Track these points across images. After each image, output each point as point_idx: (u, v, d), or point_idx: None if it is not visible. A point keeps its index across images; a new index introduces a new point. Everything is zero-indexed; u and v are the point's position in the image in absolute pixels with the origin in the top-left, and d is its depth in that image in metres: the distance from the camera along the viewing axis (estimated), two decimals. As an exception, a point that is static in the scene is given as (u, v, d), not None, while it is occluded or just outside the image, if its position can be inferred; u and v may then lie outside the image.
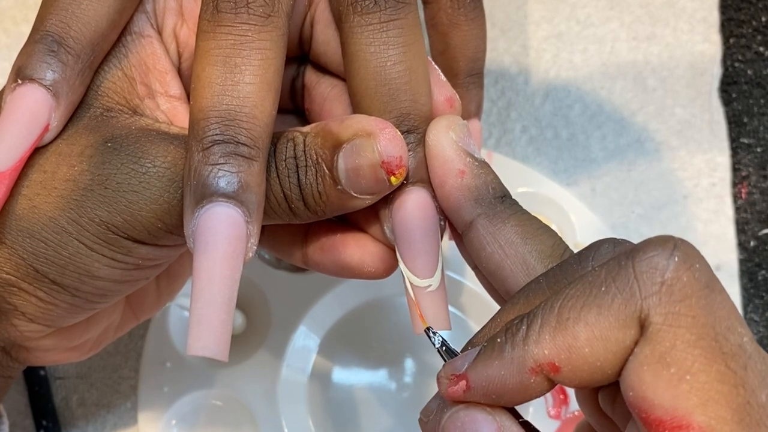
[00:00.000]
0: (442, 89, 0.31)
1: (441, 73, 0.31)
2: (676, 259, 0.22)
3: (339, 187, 0.28)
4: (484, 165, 0.29)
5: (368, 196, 0.29)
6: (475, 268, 0.30)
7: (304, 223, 0.30)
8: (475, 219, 0.28)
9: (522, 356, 0.23)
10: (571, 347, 0.22)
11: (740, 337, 0.22)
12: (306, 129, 0.29)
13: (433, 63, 0.31)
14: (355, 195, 0.28)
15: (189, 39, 0.32)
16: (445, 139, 0.29)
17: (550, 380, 0.23)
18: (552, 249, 0.27)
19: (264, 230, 0.33)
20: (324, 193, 0.28)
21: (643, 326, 0.22)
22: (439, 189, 0.29)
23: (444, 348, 0.28)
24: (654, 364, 0.21)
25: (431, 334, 0.28)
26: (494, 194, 0.29)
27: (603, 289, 0.22)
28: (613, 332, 0.22)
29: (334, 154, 0.28)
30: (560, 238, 0.28)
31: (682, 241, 0.22)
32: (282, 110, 0.35)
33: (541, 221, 0.28)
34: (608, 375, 0.23)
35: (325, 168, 0.28)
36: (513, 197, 0.29)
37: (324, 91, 0.33)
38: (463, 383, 0.24)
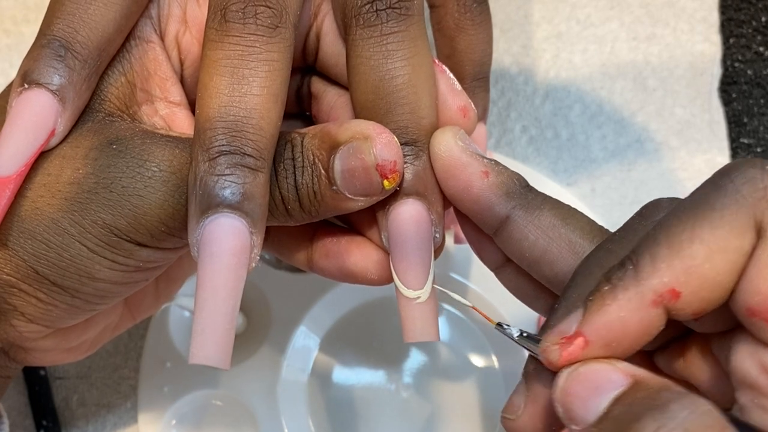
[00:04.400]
0: (455, 98, 0.31)
1: (455, 82, 0.31)
2: None
3: (334, 187, 0.28)
4: (498, 162, 0.29)
5: (362, 198, 0.29)
6: (501, 267, 0.31)
7: (299, 224, 0.30)
8: (510, 212, 0.29)
9: (640, 291, 0.24)
10: (690, 268, 0.23)
11: None
12: (304, 131, 0.29)
13: (448, 72, 0.31)
14: (349, 196, 0.28)
15: (191, 46, 0.32)
16: (456, 147, 0.29)
17: (667, 312, 0.24)
18: (590, 225, 0.28)
19: (270, 235, 0.33)
20: (319, 193, 0.29)
21: (759, 229, 0.23)
22: (465, 194, 0.29)
23: (525, 335, 0.27)
24: None
25: (505, 327, 0.28)
26: (521, 185, 0.29)
27: (709, 206, 0.23)
28: (731, 242, 0.23)
29: (331, 155, 0.28)
30: (588, 217, 0.29)
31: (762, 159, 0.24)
32: (288, 114, 0.35)
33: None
34: (726, 290, 0.23)
35: (321, 168, 0.28)
36: None
37: (331, 99, 0.33)
38: (580, 340, 0.24)
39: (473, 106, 0.31)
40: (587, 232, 0.28)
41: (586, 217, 0.29)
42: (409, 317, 0.30)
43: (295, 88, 0.35)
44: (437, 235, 0.30)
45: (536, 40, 0.51)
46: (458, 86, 0.31)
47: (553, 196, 0.44)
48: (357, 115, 0.30)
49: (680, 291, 0.23)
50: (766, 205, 0.23)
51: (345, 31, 0.30)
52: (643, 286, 0.23)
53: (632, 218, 0.27)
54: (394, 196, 0.29)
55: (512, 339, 0.27)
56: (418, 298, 0.29)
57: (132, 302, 0.36)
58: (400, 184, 0.29)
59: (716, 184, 0.23)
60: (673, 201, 0.26)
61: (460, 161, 0.29)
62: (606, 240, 0.27)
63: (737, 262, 0.23)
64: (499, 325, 0.28)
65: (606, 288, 0.24)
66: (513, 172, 0.29)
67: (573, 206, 0.29)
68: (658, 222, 0.24)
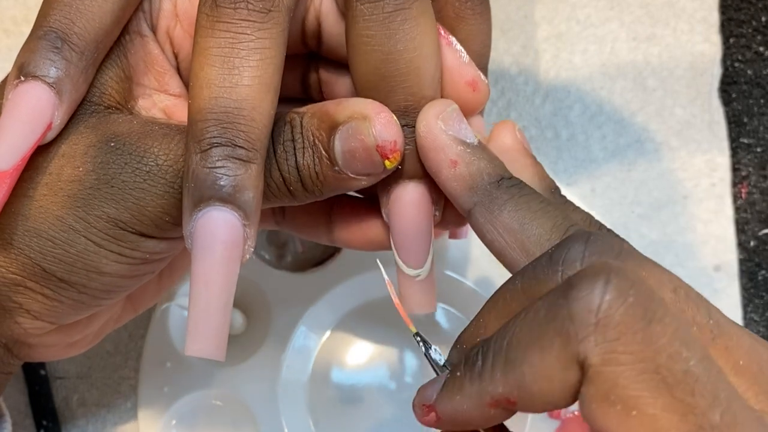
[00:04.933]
0: (463, 71, 0.30)
1: (463, 53, 0.30)
2: (608, 296, 0.21)
3: (336, 168, 0.28)
4: (477, 150, 0.29)
5: (364, 177, 0.29)
6: None
7: (302, 203, 0.30)
8: (472, 207, 0.28)
9: (479, 391, 0.23)
10: (521, 385, 0.22)
11: (685, 362, 0.21)
12: (302, 110, 0.29)
13: (455, 43, 0.31)
14: (352, 176, 0.28)
15: (183, 41, 0.32)
16: (435, 128, 0.29)
17: (510, 409, 0.23)
18: (551, 232, 0.27)
19: (285, 215, 0.34)
20: (321, 174, 0.29)
21: (583, 367, 0.21)
22: (435, 179, 0.29)
23: (433, 357, 0.28)
24: (601, 402, 0.21)
25: (418, 340, 0.28)
26: (489, 180, 0.28)
27: (543, 329, 0.22)
28: (556, 373, 0.22)
29: (331, 135, 0.28)
30: (562, 217, 0.28)
31: (616, 271, 0.22)
32: (292, 99, 0.35)
33: (542, 200, 0.28)
34: (562, 405, 0.22)
35: (321, 149, 0.28)
36: (511, 176, 0.29)
37: (350, 85, 0.33)
38: (433, 415, 0.25)
39: (483, 77, 0.31)
40: (544, 240, 0.27)
41: (553, 219, 0.27)
42: (408, 293, 0.30)
43: (300, 74, 0.34)
44: (437, 213, 0.30)
45: (536, 40, 0.51)
46: (466, 58, 0.31)
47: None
48: (358, 94, 0.30)
49: (515, 401, 0.23)
50: (592, 343, 0.21)
51: (345, 6, 0.29)
52: (483, 389, 0.23)
53: (545, 255, 0.25)
54: (395, 177, 0.29)
55: (423, 352, 0.28)
56: (419, 275, 0.30)
57: (134, 294, 0.36)
58: (402, 163, 0.29)
59: (557, 304, 0.22)
60: (588, 244, 0.24)
61: (434, 144, 0.29)
62: (521, 272, 0.25)
63: (565, 389, 0.22)
64: (416, 335, 0.28)
65: (458, 374, 0.24)
66: (487, 164, 0.29)
67: (547, 204, 0.28)
68: (513, 320, 0.23)
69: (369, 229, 0.31)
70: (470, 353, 0.24)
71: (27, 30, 0.29)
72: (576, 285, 0.22)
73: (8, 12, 0.50)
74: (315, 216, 0.33)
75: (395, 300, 0.30)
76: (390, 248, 0.31)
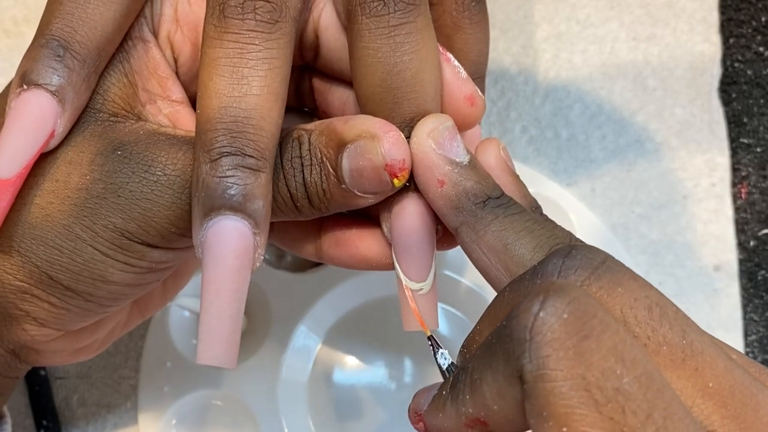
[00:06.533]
0: (462, 87, 0.30)
1: (461, 70, 0.31)
2: (542, 313, 0.21)
3: (343, 186, 0.28)
4: (465, 170, 0.29)
5: (371, 196, 0.29)
6: None
7: (308, 219, 0.30)
8: (458, 226, 0.28)
9: (456, 412, 0.24)
10: (484, 405, 0.23)
11: (618, 379, 0.21)
12: (310, 126, 0.29)
13: (453, 60, 0.31)
14: (359, 194, 0.28)
15: (183, 45, 0.32)
16: (425, 145, 0.29)
17: (485, 430, 0.24)
18: (533, 252, 0.27)
19: (274, 226, 0.34)
20: (328, 191, 0.29)
21: (522, 382, 0.22)
22: (425, 196, 0.29)
23: (444, 361, 0.29)
24: (537, 417, 0.21)
25: (429, 344, 0.29)
26: (474, 201, 0.28)
27: (494, 349, 0.23)
28: (507, 390, 0.22)
29: (339, 153, 0.28)
30: (546, 236, 0.28)
31: (556, 289, 0.22)
32: (287, 108, 0.35)
33: (528, 219, 0.28)
34: (525, 425, 0.23)
35: (329, 167, 0.28)
36: (500, 196, 0.29)
37: (342, 95, 0.33)
38: (421, 425, 0.26)
39: (480, 93, 0.31)
40: (527, 260, 0.27)
41: (536, 240, 0.28)
42: (410, 309, 0.30)
43: (294, 83, 0.34)
44: (439, 227, 0.30)
45: (536, 40, 0.51)
46: (464, 74, 0.31)
47: (552, 199, 0.43)
48: (362, 106, 0.30)
49: (486, 421, 0.23)
50: (526, 360, 0.21)
51: (348, 19, 0.29)
52: (458, 409, 0.24)
53: (530, 270, 0.25)
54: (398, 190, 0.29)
55: (433, 357, 0.29)
56: (421, 289, 0.30)
57: (141, 300, 0.36)
58: (409, 179, 0.29)
59: (503, 325, 0.23)
60: (566, 257, 0.25)
61: (423, 162, 0.29)
62: (510, 284, 0.26)
63: (517, 406, 0.22)
64: (430, 337, 0.29)
65: (444, 393, 0.25)
66: (473, 184, 0.29)
67: (533, 223, 0.28)
68: (480, 344, 0.24)
69: (360, 245, 0.31)
70: (456, 374, 0.25)
71: (27, 30, 0.29)
72: (518, 305, 0.22)
73: (8, 12, 0.50)
74: (305, 230, 0.33)
75: (411, 304, 0.30)
76: (379, 268, 0.31)
